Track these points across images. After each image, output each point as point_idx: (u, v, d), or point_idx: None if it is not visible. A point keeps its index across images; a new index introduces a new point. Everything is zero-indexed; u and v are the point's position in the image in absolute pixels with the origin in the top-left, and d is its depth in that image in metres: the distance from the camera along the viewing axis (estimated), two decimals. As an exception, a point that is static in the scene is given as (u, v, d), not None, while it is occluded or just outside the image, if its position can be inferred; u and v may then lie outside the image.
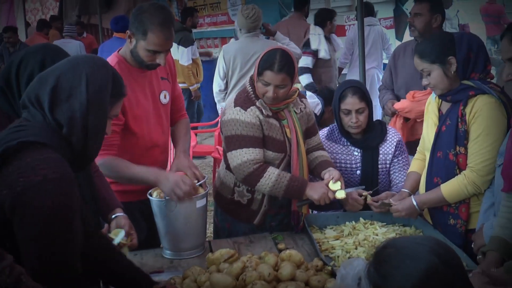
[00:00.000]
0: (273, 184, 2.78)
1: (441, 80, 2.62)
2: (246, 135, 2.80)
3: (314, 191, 2.81)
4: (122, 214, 2.46)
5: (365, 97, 3.14)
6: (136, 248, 2.47)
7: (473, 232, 2.64)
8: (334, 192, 2.83)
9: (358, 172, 3.20)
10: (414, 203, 2.75)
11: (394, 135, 3.24)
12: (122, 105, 2.03)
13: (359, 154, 3.21)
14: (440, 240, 1.49)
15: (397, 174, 3.20)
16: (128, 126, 2.81)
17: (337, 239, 2.75)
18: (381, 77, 5.59)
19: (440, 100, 2.79)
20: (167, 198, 2.61)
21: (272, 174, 2.79)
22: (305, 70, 6.37)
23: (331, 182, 2.85)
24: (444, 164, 2.68)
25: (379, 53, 7.47)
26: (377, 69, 7.34)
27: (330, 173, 2.90)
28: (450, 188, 2.64)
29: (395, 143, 3.21)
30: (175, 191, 2.57)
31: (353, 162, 3.21)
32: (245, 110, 2.82)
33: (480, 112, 2.55)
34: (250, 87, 2.89)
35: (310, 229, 2.85)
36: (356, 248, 2.64)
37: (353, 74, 7.17)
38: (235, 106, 2.85)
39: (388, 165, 3.21)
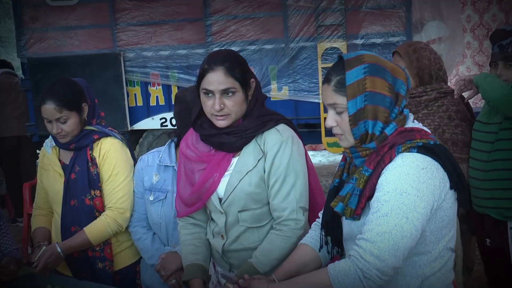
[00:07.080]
0: None
1: (76, 127, 2.62)
2: None
3: None
4: None
5: None
6: None
7: (120, 273, 2.70)
8: None
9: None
10: (59, 249, 2.58)
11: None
12: None
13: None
14: None
15: None
16: None
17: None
18: None
19: (58, 150, 2.75)
20: None
21: None
22: None
23: None
24: (82, 211, 2.65)
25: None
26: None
27: None
28: (93, 229, 2.61)
29: None
30: None
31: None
32: None
33: (108, 153, 2.66)
34: None
35: None
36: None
37: None
38: None
39: None
